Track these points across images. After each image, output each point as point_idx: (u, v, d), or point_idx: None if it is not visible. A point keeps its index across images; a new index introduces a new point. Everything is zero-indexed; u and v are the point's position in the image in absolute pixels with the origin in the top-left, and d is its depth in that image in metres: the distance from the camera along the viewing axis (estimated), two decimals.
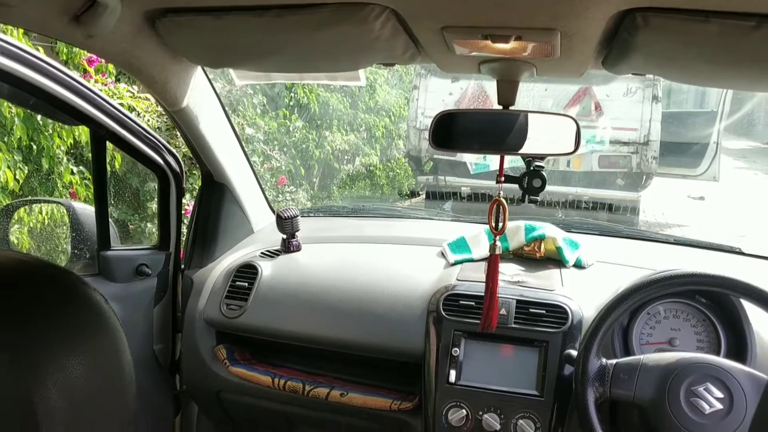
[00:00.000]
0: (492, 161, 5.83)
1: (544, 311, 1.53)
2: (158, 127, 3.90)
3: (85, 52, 3.60)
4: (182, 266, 1.93)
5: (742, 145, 12.27)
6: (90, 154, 1.89)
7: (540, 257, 1.77)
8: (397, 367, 1.66)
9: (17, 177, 3.09)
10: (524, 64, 1.20)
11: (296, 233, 1.90)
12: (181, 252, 1.94)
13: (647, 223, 6.92)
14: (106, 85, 3.76)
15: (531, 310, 1.54)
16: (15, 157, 3.07)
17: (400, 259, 1.83)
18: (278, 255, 1.89)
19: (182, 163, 1.82)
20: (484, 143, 1.35)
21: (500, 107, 1.28)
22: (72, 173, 3.47)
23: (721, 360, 1.33)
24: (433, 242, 1.89)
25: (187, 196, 3.31)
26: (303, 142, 6.64)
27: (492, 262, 1.43)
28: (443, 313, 1.56)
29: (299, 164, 6.49)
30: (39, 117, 3.13)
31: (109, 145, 1.68)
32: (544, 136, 1.28)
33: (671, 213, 7.67)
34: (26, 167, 3.19)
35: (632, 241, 2.04)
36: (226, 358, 1.76)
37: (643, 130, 6.24)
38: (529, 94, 5.89)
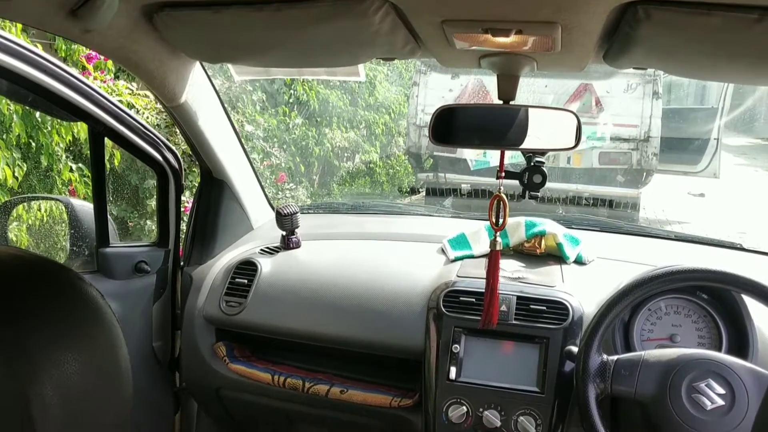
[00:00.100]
0: (492, 157, 5.83)
1: (544, 307, 1.52)
2: (157, 124, 3.89)
3: (84, 48, 3.59)
4: (181, 263, 1.93)
5: (743, 141, 12.26)
6: (89, 151, 1.88)
7: (540, 253, 1.77)
8: (397, 364, 1.66)
9: (16, 174, 3.08)
10: (525, 58, 1.19)
11: (296, 230, 1.90)
12: (181, 249, 1.93)
13: (647, 220, 6.91)
14: (105, 82, 3.74)
15: (531, 306, 1.53)
16: (14, 154, 3.06)
17: (400, 256, 1.82)
18: (278, 252, 1.88)
19: (181, 160, 1.81)
20: (485, 138, 1.34)
21: (500, 102, 1.27)
22: (71, 170, 3.46)
23: (723, 356, 1.32)
24: (433, 239, 1.88)
25: (186, 193, 3.30)
26: (303, 139, 6.63)
27: (493, 257, 1.43)
28: (443, 309, 1.56)
29: (299, 161, 6.47)
30: (38, 114, 3.12)
31: (109, 143, 1.67)
32: (544, 131, 1.27)
33: (671, 210, 7.66)
34: (25, 164, 3.18)
35: (633, 237, 2.04)
36: (225, 355, 1.75)
37: (643, 126, 6.22)
38: (529, 90, 5.87)
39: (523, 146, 1.28)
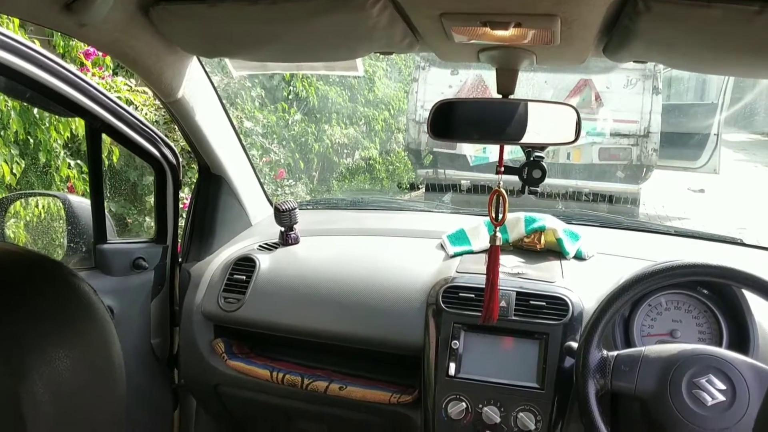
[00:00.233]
0: (491, 153, 5.82)
1: (544, 303, 1.52)
2: (156, 121, 3.88)
3: (83, 45, 3.58)
4: (179, 259, 1.92)
5: (743, 137, 12.24)
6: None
7: (540, 249, 1.76)
8: (396, 360, 1.65)
9: (14, 171, 3.07)
10: (524, 51, 1.18)
11: (294, 226, 1.89)
12: (179, 245, 1.93)
13: (647, 216, 6.90)
14: (103, 78, 3.73)
15: (531, 302, 1.52)
16: (12, 150, 3.05)
17: (399, 252, 1.82)
18: (276, 248, 1.87)
19: (179, 155, 1.80)
20: (484, 133, 1.33)
21: (499, 96, 1.26)
22: (69, 167, 3.44)
23: (724, 351, 1.32)
24: (432, 234, 1.88)
25: (186, 190, 3.29)
26: (302, 135, 6.62)
27: (492, 253, 1.42)
28: (443, 305, 1.55)
29: (298, 158, 6.46)
30: (36, 110, 3.10)
31: (108, 139, 1.67)
32: (544, 126, 1.26)
33: (671, 206, 7.65)
34: (23, 161, 3.17)
35: (633, 232, 2.03)
36: (224, 351, 1.75)
37: (643, 122, 6.21)
38: (528, 84, 5.86)
39: (522, 141, 1.27)
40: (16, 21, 2.89)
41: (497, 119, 1.28)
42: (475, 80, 6.42)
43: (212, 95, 1.73)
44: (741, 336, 1.44)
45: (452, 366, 1.51)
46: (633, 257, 1.69)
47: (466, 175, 6.31)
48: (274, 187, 5.63)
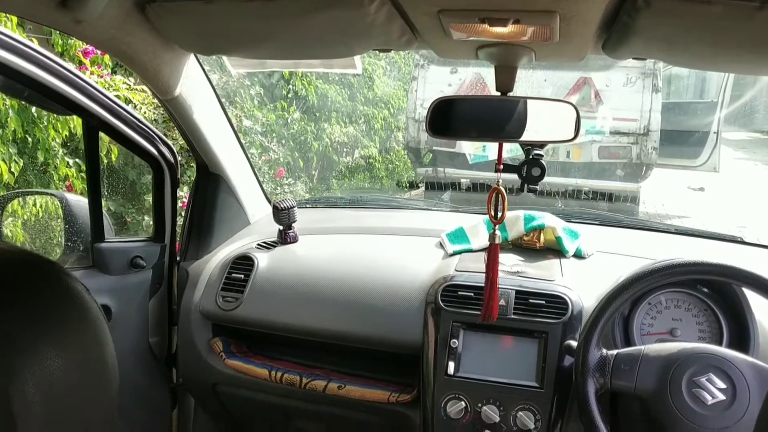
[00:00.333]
0: (491, 151, 5.81)
1: (543, 302, 1.51)
2: (155, 119, 3.86)
3: (81, 43, 3.57)
4: (178, 258, 1.91)
5: (742, 135, 12.24)
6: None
7: (539, 247, 1.75)
8: (395, 359, 1.65)
9: (12, 170, 3.06)
10: (523, 48, 1.17)
11: (293, 224, 1.88)
12: (177, 244, 1.92)
13: (647, 215, 6.89)
14: (102, 77, 3.72)
15: (530, 300, 1.52)
16: (10, 149, 3.05)
17: (398, 250, 1.81)
18: (275, 246, 1.87)
19: (177, 154, 1.79)
20: (482, 130, 1.33)
21: (498, 93, 1.26)
22: (68, 166, 3.43)
23: (724, 350, 1.31)
24: (431, 233, 1.87)
25: (185, 188, 3.28)
26: (301, 134, 6.61)
27: (492, 251, 1.41)
28: (442, 304, 1.54)
29: (297, 156, 6.46)
30: (34, 109, 3.10)
31: (107, 138, 1.66)
32: (543, 123, 1.25)
33: (671, 204, 7.64)
34: (21, 160, 3.16)
35: (632, 230, 2.02)
36: (222, 350, 1.74)
37: (643, 120, 6.20)
38: (527, 82, 5.86)
39: (521, 138, 1.27)
40: (14, 19, 2.88)
41: (496, 117, 1.27)
42: (474, 78, 6.41)
43: (210, 93, 1.72)
44: (741, 335, 1.44)
45: (451, 365, 1.50)
46: (633, 255, 1.68)
47: (466, 173, 6.30)
48: (273, 186, 5.63)
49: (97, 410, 0.60)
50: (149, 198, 3.93)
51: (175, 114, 1.63)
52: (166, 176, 1.77)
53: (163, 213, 1.81)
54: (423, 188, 6.50)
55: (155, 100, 3.63)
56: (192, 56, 1.54)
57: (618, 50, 1.14)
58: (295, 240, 1.89)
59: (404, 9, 1.04)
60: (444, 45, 1.22)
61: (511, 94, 1.26)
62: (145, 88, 3.69)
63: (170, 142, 1.78)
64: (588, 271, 1.65)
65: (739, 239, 1.98)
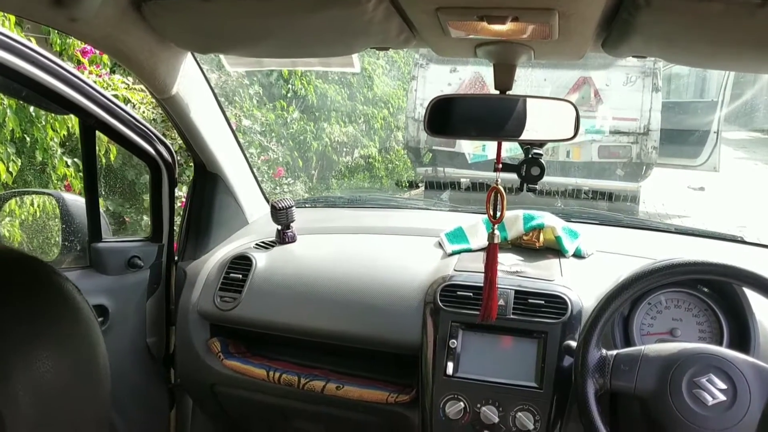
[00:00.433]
0: (490, 151, 5.80)
1: (543, 301, 1.50)
2: (154, 119, 3.85)
3: (79, 43, 3.56)
4: (175, 258, 1.91)
5: (742, 135, 12.23)
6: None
7: (539, 247, 1.74)
8: (393, 360, 1.64)
9: (10, 170, 3.05)
10: (521, 46, 1.16)
11: (291, 224, 1.87)
12: (175, 244, 1.91)
13: (647, 214, 6.88)
14: (100, 76, 3.71)
15: (530, 300, 1.51)
16: (8, 149, 3.04)
17: (396, 250, 1.80)
18: (273, 246, 1.86)
19: (177, 153, 1.79)
20: (481, 129, 1.32)
21: (497, 92, 1.25)
22: (66, 166, 3.42)
23: (724, 350, 1.30)
24: (430, 232, 1.86)
25: (184, 188, 3.27)
26: (301, 133, 6.60)
27: (491, 251, 1.41)
28: (440, 304, 1.54)
29: (297, 156, 6.45)
30: (32, 108, 3.09)
31: (105, 138, 1.65)
32: (542, 122, 1.24)
33: (671, 204, 7.63)
34: (19, 160, 3.15)
35: (632, 230, 2.01)
36: (220, 351, 1.73)
37: (643, 119, 6.19)
38: (527, 82, 5.85)
39: (520, 137, 1.26)
40: (12, 18, 2.87)
41: (495, 115, 1.26)
42: (473, 77, 6.40)
43: (207, 92, 1.71)
44: (742, 335, 1.43)
45: (450, 365, 1.49)
46: (632, 255, 1.68)
47: (466, 173, 6.30)
48: (272, 186, 5.61)
49: (89, 411, 0.59)
50: (148, 198, 3.93)
51: (173, 113, 1.62)
52: (164, 176, 1.76)
53: (161, 213, 1.81)
54: (423, 188, 6.50)
55: (154, 100, 3.61)
56: (189, 55, 1.53)
57: (618, 48, 1.13)
58: (293, 240, 1.88)
59: (402, 7, 1.03)
60: (442, 43, 1.21)
61: (510, 92, 1.25)
62: (143, 87, 3.67)
63: (168, 142, 1.77)
64: (588, 271, 1.64)
65: (739, 239, 1.97)
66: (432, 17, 1.04)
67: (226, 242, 1.94)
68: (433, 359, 1.51)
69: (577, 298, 1.51)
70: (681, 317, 1.49)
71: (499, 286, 1.47)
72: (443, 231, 1.82)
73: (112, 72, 3.89)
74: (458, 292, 1.55)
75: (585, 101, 6.11)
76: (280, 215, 1.84)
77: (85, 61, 3.68)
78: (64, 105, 1.48)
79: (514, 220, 1.75)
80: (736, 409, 1.22)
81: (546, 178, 1.39)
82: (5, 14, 2.71)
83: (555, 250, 1.73)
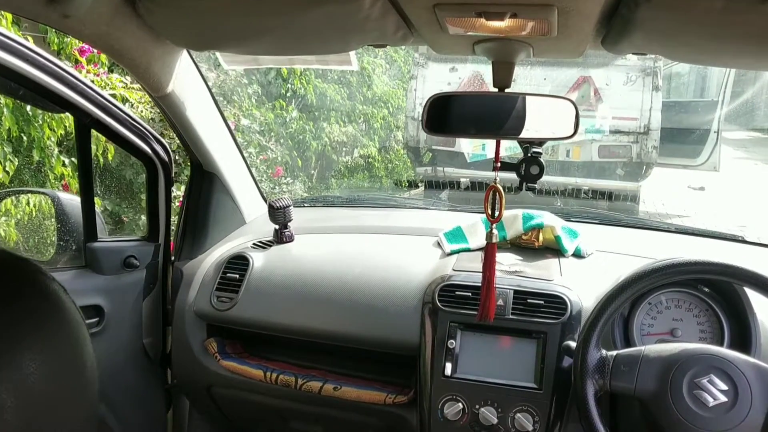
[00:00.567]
0: (490, 150, 5.79)
1: (542, 302, 1.49)
2: (152, 118, 3.84)
3: (77, 41, 3.54)
4: (172, 258, 1.89)
5: (742, 135, 12.22)
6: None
7: (538, 246, 1.73)
8: (391, 360, 1.63)
9: (7, 169, 3.04)
10: (520, 43, 1.15)
11: (289, 223, 1.86)
12: (171, 243, 1.90)
13: (647, 214, 6.87)
14: (98, 75, 3.70)
15: (529, 300, 1.50)
16: (5, 148, 3.02)
17: (395, 250, 1.79)
18: (270, 246, 1.84)
19: (175, 153, 1.77)
20: (480, 127, 1.31)
21: (496, 90, 1.23)
22: (64, 165, 3.41)
23: (725, 351, 1.29)
24: (428, 232, 1.85)
25: (182, 188, 3.26)
26: (300, 133, 6.59)
27: (488, 250, 1.39)
28: (439, 304, 1.52)
29: (296, 156, 6.44)
30: (29, 107, 3.07)
31: (103, 137, 1.64)
32: (541, 120, 1.23)
33: (671, 203, 7.62)
34: (16, 159, 3.13)
35: (633, 229, 2.00)
36: (216, 351, 1.72)
37: (643, 119, 6.19)
38: (526, 81, 5.84)
39: (519, 135, 1.25)
40: (9, 17, 2.86)
41: (494, 113, 1.25)
42: (472, 75, 6.39)
43: (204, 90, 1.70)
44: (743, 335, 1.42)
45: (448, 366, 1.48)
46: (633, 255, 1.66)
47: (465, 172, 6.29)
48: (271, 185, 5.60)
49: (74, 414, 0.58)
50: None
51: (168, 111, 1.61)
52: (160, 175, 1.75)
53: (157, 212, 1.79)
54: (422, 188, 6.49)
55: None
56: (185, 52, 1.52)
57: (617, 45, 1.11)
58: (291, 239, 1.86)
59: (399, 3, 1.02)
60: (440, 40, 1.20)
61: (509, 90, 1.24)
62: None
63: (165, 141, 1.76)
64: (587, 271, 1.63)
65: (740, 238, 1.96)
66: (429, 14, 1.02)
67: (223, 242, 1.93)
68: (432, 360, 1.50)
69: (577, 298, 1.50)
70: (681, 317, 1.48)
71: (497, 285, 1.46)
72: (442, 230, 1.81)
73: (111, 71, 3.88)
74: (457, 292, 1.53)
75: (585, 100, 6.10)
76: (278, 215, 1.83)
77: (83, 60, 3.67)
78: (60, 103, 1.47)
79: (513, 219, 1.74)
80: (738, 411, 1.21)
81: (546, 178, 1.38)
82: (1, 12, 2.69)
83: (554, 249, 1.72)
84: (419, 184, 6.49)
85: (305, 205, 2.33)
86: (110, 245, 1.74)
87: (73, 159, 3.46)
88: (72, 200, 1.79)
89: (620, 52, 1.18)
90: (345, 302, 1.63)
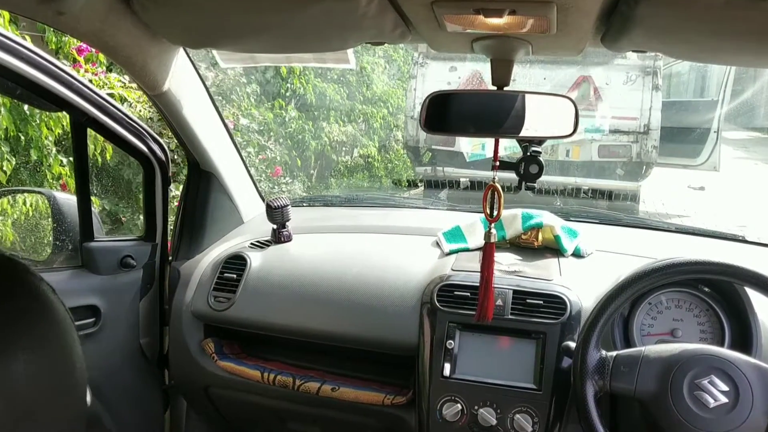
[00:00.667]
0: (489, 149, 5.78)
1: (541, 302, 1.48)
2: (150, 118, 3.83)
3: (76, 41, 3.53)
4: (169, 257, 1.88)
5: (742, 135, 12.22)
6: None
7: (537, 246, 1.72)
8: (390, 361, 1.62)
9: (5, 168, 3.03)
10: (519, 41, 1.14)
11: (287, 223, 1.85)
12: (168, 243, 1.89)
13: (647, 214, 6.86)
14: (96, 74, 3.68)
15: (528, 300, 1.49)
16: (2, 148, 3.01)
17: (393, 249, 1.78)
18: (268, 245, 1.83)
19: (173, 152, 1.76)
20: (479, 126, 1.29)
21: (494, 88, 1.22)
22: (62, 164, 3.40)
23: (726, 351, 1.28)
24: (427, 231, 1.84)
25: (180, 187, 3.25)
26: (299, 132, 6.58)
27: (487, 250, 1.38)
28: (437, 304, 1.51)
29: (295, 155, 6.43)
30: (26, 106, 3.06)
31: (101, 137, 1.63)
32: (541, 118, 1.22)
33: (671, 203, 7.61)
34: (14, 158, 3.12)
35: (632, 229, 1.99)
36: (214, 351, 1.71)
37: (643, 119, 6.18)
38: (525, 80, 5.83)
39: (518, 134, 1.23)
40: (6, 15, 2.84)
41: (492, 112, 1.24)
42: (471, 74, 6.38)
43: (200, 89, 1.69)
44: (744, 335, 1.41)
45: (447, 366, 1.47)
46: (632, 254, 1.65)
47: (465, 172, 6.28)
48: (270, 185, 5.59)
49: (63, 415, 0.57)
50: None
51: (165, 110, 1.60)
52: (157, 174, 1.74)
53: (154, 211, 1.78)
54: (422, 187, 6.48)
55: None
56: (181, 50, 1.51)
57: (617, 42, 1.10)
58: (289, 239, 1.85)
59: (397, 1, 1.00)
60: (438, 38, 1.19)
61: (507, 88, 1.23)
62: None
63: (162, 140, 1.75)
64: (587, 271, 1.62)
65: (740, 238, 1.95)
66: (427, 11, 1.01)
67: (221, 241, 1.92)
68: (430, 360, 1.49)
69: (577, 298, 1.49)
70: (682, 317, 1.47)
71: (496, 285, 1.45)
72: (441, 230, 1.80)
73: (109, 70, 3.87)
74: (455, 292, 1.52)
75: (584, 100, 6.09)
76: (276, 214, 1.82)
77: (81, 59, 3.66)
78: (55, 102, 1.46)
79: (513, 218, 1.73)
80: (739, 411, 1.20)
81: (545, 177, 1.37)
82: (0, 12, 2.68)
83: (554, 249, 1.71)
84: (419, 184, 6.48)
85: (303, 204, 2.32)
86: (107, 245, 1.73)
87: (70, 158, 3.45)
88: (68, 200, 1.78)
89: (620, 50, 1.17)
90: (343, 302, 1.62)
